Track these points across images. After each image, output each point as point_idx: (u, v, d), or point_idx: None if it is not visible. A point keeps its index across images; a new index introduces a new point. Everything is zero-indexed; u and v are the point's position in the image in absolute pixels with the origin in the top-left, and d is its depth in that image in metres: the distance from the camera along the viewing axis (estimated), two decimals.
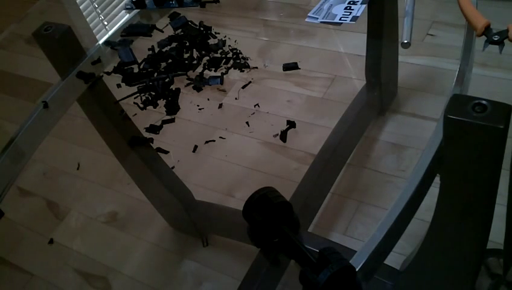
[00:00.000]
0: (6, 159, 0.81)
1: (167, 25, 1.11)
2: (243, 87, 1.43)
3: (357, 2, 0.94)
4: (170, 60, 1.08)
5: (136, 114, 1.10)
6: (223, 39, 1.15)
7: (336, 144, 1.23)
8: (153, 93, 1.05)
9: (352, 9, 0.93)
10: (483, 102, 0.51)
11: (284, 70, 1.23)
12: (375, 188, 1.30)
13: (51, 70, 0.96)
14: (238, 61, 1.15)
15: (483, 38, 0.62)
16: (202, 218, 1.32)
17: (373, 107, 1.42)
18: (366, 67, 1.36)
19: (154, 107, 1.06)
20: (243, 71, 1.15)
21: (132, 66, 1.03)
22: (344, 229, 1.24)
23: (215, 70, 1.11)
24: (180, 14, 1.11)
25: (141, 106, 1.05)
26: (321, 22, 0.92)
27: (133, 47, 1.03)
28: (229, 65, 1.13)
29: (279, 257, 0.72)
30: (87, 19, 1.62)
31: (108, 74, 1.01)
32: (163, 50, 1.09)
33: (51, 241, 1.36)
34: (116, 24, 1.07)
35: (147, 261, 1.30)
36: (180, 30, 1.11)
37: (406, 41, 0.71)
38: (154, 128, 1.19)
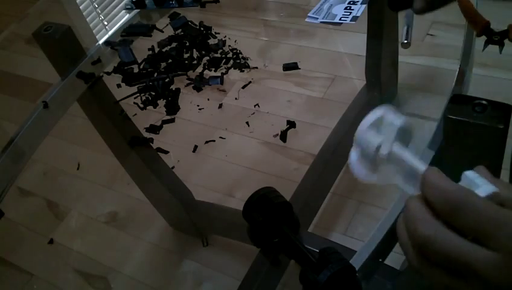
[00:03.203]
0: (6, 159, 0.81)
1: (167, 25, 1.11)
2: (243, 87, 1.43)
3: (357, 2, 0.94)
4: (170, 60, 1.08)
5: (136, 114, 1.10)
6: (223, 39, 1.15)
7: (335, 144, 1.23)
8: (153, 93, 1.05)
9: (352, 9, 0.93)
10: (483, 102, 0.51)
11: (284, 70, 1.23)
12: (375, 188, 1.30)
13: (51, 71, 0.96)
14: (238, 61, 1.15)
15: (483, 38, 0.62)
16: (202, 218, 1.32)
17: (373, 107, 1.42)
18: (366, 67, 1.36)
19: (154, 107, 1.06)
20: (243, 71, 1.15)
21: (132, 66, 1.04)
22: (344, 229, 1.24)
23: (215, 70, 1.11)
24: (180, 14, 1.11)
25: (141, 106, 1.05)
26: (321, 22, 0.93)
27: (133, 47, 1.03)
28: (229, 65, 1.13)
29: (279, 257, 0.72)
30: (87, 19, 1.62)
31: (108, 74, 1.01)
32: (163, 50, 1.09)
33: (51, 241, 1.36)
34: (116, 24, 1.07)
35: (147, 261, 1.30)
36: (180, 30, 1.11)
37: (405, 41, 0.71)
38: (154, 128, 1.19)
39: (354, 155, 0.42)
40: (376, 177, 0.40)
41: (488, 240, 0.31)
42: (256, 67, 1.29)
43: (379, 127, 0.40)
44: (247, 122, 1.45)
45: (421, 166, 0.37)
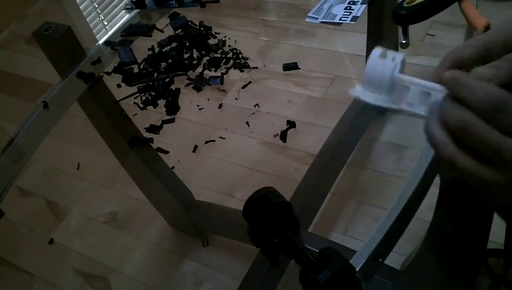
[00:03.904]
0: (6, 159, 0.81)
1: (167, 25, 1.11)
2: (243, 87, 1.43)
3: (357, 2, 0.94)
4: (170, 60, 1.08)
5: (136, 114, 1.10)
6: (223, 39, 1.15)
7: (336, 144, 1.23)
8: (153, 93, 1.05)
9: (352, 9, 0.93)
10: None
11: (284, 70, 1.23)
12: (375, 188, 1.30)
13: (51, 70, 0.96)
14: (238, 61, 1.15)
15: None
16: (202, 218, 1.32)
17: (373, 107, 1.41)
18: None
19: (154, 107, 1.06)
20: (243, 71, 1.15)
21: (132, 66, 1.04)
22: (344, 229, 1.24)
23: (215, 70, 1.11)
24: (180, 14, 1.11)
25: (141, 106, 1.05)
26: (321, 22, 0.92)
27: (133, 47, 1.03)
28: (229, 65, 1.13)
29: (279, 257, 0.72)
30: (87, 19, 1.62)
31: (108, 74, 1.01)
32: (163, 50, 1.09)
33: (51, 241, 1.36)
34: (116, 24, 1.07)
35: (147, 261, 1.30)
36: (180, 30, 1.11)
37: (404, 41, 0.71)
38: (154, 128, 1.19)
39: (363, 84, 0.45)
40: (389, 100, 0.44)
41: None
42: (256, 67, 1.29)
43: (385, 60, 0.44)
44: (247, 122, 1.45)
45: (434, 85, 0.40)
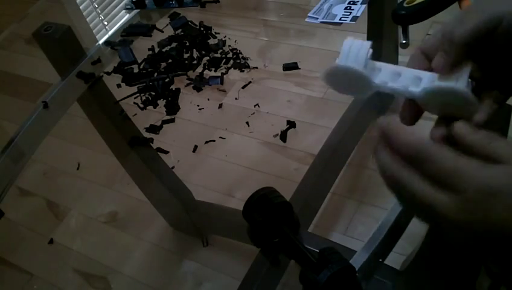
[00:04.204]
0: (6, 159, 0.81)
1: (167, 25, 1.11)
2: (243, 87, 1.43)
3: (357, 2, 0.94)
4: (170, 60, 1.08)
5: (136, 114, 1.10)
6: (223, 39, 1.15)
7: (336, 144, 1.23)
8: (153, 93, 1.05)
9: (352, 9, 0.93)
10: None
11: (284, 70, 1.23)
12: (375, 188, 1.30)
13: (51, 70, 0.96)
14: (238, 61, 1.15)
15: None
16: (202, 218, 1.32)
17: (373, 107, 1.41)
18: None
19: (154, 107, 1.06)
20: (243, 71, 1.15)
21: (132, 66, 1.04)
22: (344, 229, 1.24)
23: (215, 70, 1.11)
24: (180, 14, 1.11)
25: (141, 106, 1.05)
26: (321, 22, 0.93)
27: (133, 47, 1.03)
28: (229, 65, 1.13)
29: (279, 257, 0.72)
30: (87, 19, 1.62)
31: (108, 74, 1.01)
32: (163, 50, 1.09)
33: (51, 241, 1.36)
34: (116, 24, 1.07)
35: (147, 261, 1.30)
36: (180, 30, 1.11)
37: (404, 41, 0.71)
38: (154, 128, 1.19)
39: (340, 60, 0.47)
40: (363, 76, 0.45)
41: (450, 186, 0.35)
42: (256, 67, 1.29)
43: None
44: (247, 122, 1.45)
45: (408, 69, 0.44)
